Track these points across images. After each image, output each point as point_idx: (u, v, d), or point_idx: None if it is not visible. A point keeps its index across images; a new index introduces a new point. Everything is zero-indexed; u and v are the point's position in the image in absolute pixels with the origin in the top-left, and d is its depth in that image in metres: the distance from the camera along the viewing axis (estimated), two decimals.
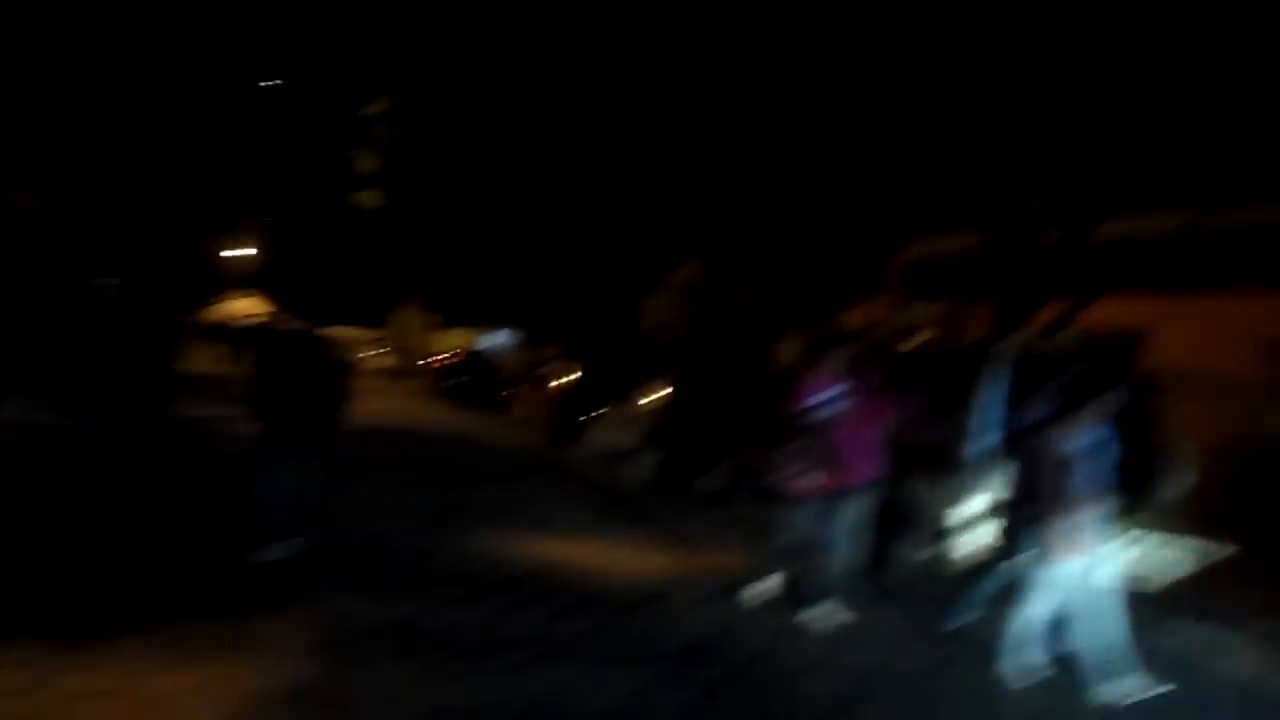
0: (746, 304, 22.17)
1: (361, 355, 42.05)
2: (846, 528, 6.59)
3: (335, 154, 28.74)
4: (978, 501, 8.36)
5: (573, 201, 24.38)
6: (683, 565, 8.01)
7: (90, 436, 6.38)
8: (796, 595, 6.67)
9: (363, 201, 29.55)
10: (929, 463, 8.13)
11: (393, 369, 38.57)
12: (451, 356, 29.36)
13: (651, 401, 15.69)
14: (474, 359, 28.83)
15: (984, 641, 5.75)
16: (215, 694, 4.27)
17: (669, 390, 15.53)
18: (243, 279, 32.12)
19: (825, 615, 6.45)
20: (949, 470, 8.46)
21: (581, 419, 17.69)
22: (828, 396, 6.53)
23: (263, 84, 23.31)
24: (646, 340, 25.68)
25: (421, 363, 34.61)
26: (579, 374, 19.00)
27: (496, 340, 36.16)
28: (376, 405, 20.96)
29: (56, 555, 6.16)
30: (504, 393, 23.33)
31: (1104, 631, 5.37)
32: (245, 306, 30.29)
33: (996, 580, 6.12)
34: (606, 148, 24.52)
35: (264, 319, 20.59)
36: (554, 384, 19.70)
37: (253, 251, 38.29)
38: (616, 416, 16.23)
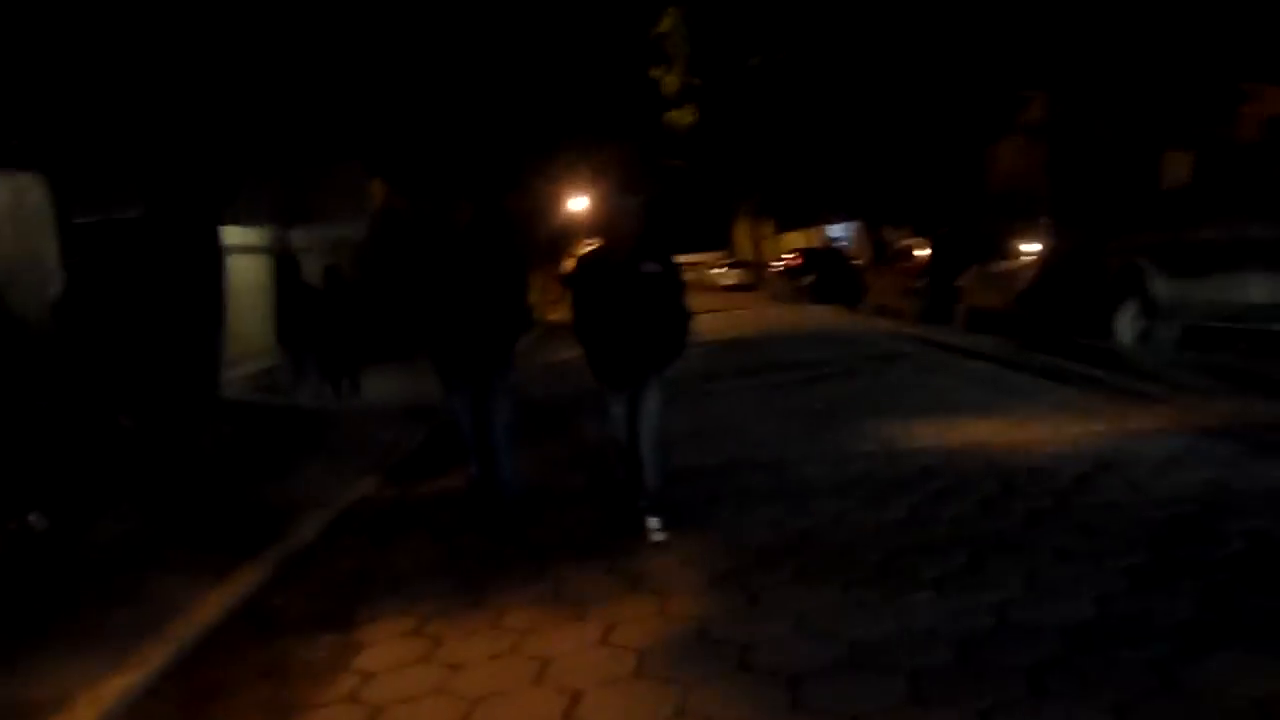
0: (1110, 131, 19.17)
1: (710, 273, 42.43)
2: None
3: (638, 76, 28.23)
4: None
5: (889, 62, 22.27)
6: (1115, 429, 6.58)
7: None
8: None
9: (677, 120, 28.89)
10: None
11: (739, 283, 38.41)
12: (794, 258, 28.34)
13: (1019, 258, 13.80)
14: (816, 256, 27.67)
15: None
16: (618, 646, 3.71)
17: (1040, 244, 13.55)
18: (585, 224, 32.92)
19: None
20: None
21: (942, 292, 16.10)
22: None
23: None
24: (999, 193, 23.14)
25: (766, 271, 33.99)
26: (932, 247, 17.32)
27: (836, 233, 34.67)
28: (728, 320, 20.69)
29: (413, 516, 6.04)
30: (855, 283, 22.01)
31: None
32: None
33: None
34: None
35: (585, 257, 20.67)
36: (907, 263, 18.13)
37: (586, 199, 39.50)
38: (981, 281, 14.49)
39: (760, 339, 15.73)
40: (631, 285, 4.95)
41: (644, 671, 3.46)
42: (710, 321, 18.35)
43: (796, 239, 35.71)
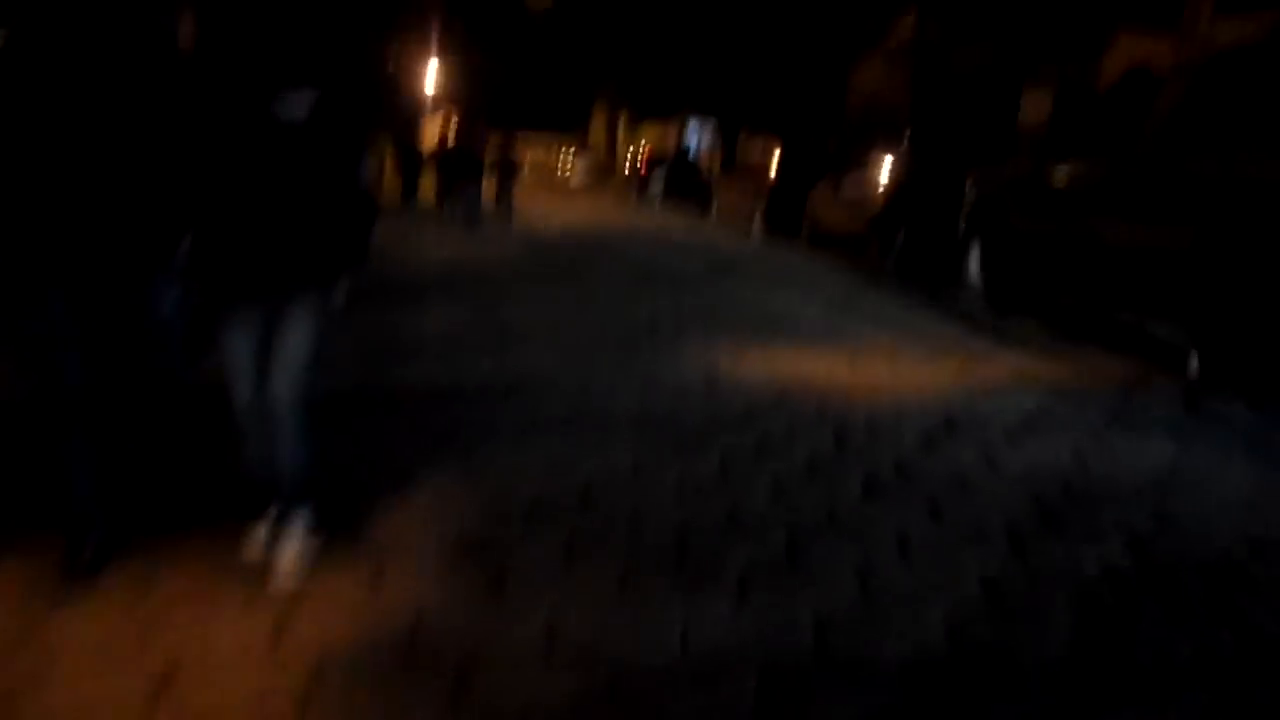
0: (976, 60, 18.64)
1: (556, 162, 40.47)
2: None
3: None
4: None
5: None
6: (963, 379, 5.80)
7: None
8: None
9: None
10: None
11: (589, 172, 36.68)
12: (645, 155, 27.00)
13: (872, 181, 13.05)
14: (671, 156, 26.47)
15: None
16: (289, 649, 2.56)
17: (891, 166, 12.79)
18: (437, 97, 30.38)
19: None
20: None
21: (790, 206, 15.30)
22: None
23: None
24: (858, 112, 22.42)
25: (618, 165, 32.51)
26: (784, 158, 16.41)
27: (691, 132, 33.45)
28: (563, 212, 19.31)
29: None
30: (705, 190, 20.98)
31: None
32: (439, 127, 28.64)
33: None
34: None
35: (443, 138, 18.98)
36: (762, 174, 17.18)
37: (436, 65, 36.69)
38: (832, 200, 13.70)
39: (591, 237, 14.52)
40: (261, 136, 2.86)
41: (311, 695, 2.32)
42: (542, 210, 17.05)
43: (654, 132, 34.29)
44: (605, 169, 36.78)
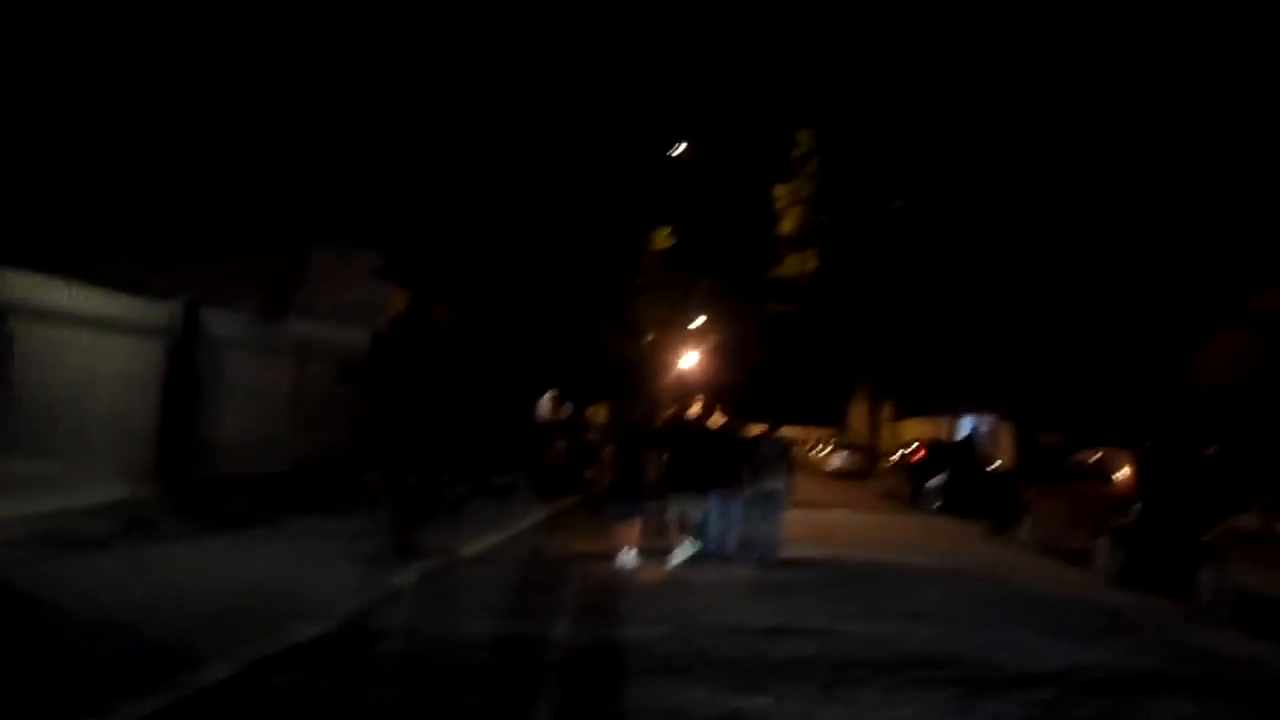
0: None
1: (814, 455, 36.10)
2: None
3: (756, 207, 22.81)
4: None
5: (1076, 221, 16.59)
6: None
7: None
8: None
9: (793, 268, 23.26)
10: None
11: (850, 469, 32.00)
12: (916, 451, 22.04)
13: None
14: (946, 451, 21.38)
15: None
16: None
17: None
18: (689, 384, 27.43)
19: None
20: None
21: (1162, 542, 9.90)
22: None
23: (669, 153, 18.51)
24: (1207, 394, 16.75)
25: (883, 461, 27.52)
26: (1137, 466, 11.17)
27: (967, 428, 28.21)
28: (823, 525, 14.61)
29: None
30: (1003, 496, 15.66)
31: None
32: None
33: None
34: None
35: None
36: (1094, 484, 11.89)
37: (695, 356, 34.27)
38: (1256, 547, 8.25)
39: (863, 572, 9.77)
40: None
41: None
42: (800, 523, 12.33)
43: (920, 427, 29.46)
44: (868, 460, 32.03)
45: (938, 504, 18.73)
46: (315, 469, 11.53)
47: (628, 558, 8.90)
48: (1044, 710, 4.91)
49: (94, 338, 8.63)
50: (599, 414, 20.69)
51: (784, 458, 10.63)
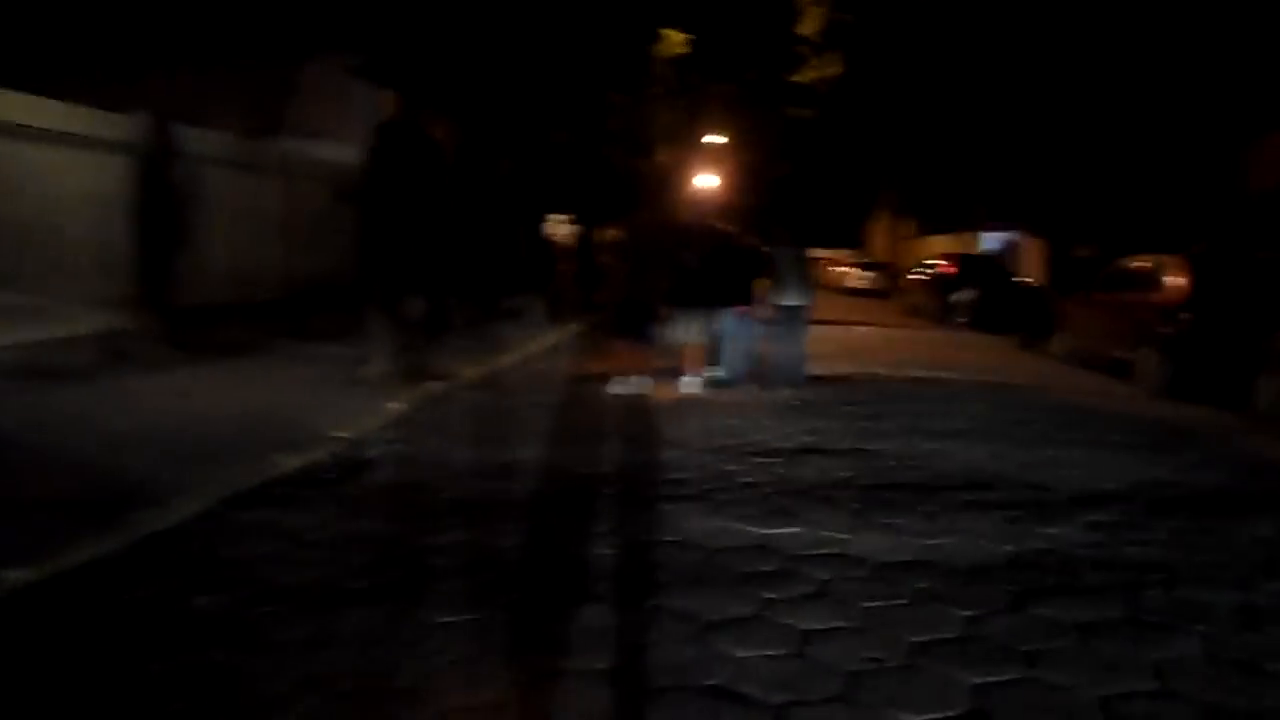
0: None
1: (836, 271, 35.12)
2: None
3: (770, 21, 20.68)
4: None
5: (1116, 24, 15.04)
6: None
7: None
8: None
9: (815, 73, 21.50)
10: None
11: (871, 288, 31.18)
12: (946, 265, 21.12)
13: None
14: (977, 265, 20.53)
15: None
16: None
17: None
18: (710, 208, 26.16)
19: None
20: None
21: (1216, 349, 9.25)
22: None
23: None
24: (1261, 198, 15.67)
25: (904, 278, 26.67)
26: (1192, 273, 10.37)
27: (990, 244, 27.15)
28: (845, 341, 14.04)
29: None
30: (1039, 310, 14.90)
31: None
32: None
33: None
34: None
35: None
36: (1143, 293, 11.10)
37: (715, 179, 32.78)
38: None
39: (894, 389, 9.20)
40: None
41: None
42: (823, 339, 11.68)
43: (941, 244, 28.37)
44: (889, 279, 31.17)
45: (966, 318, 18.08)
46: (312, 295, 10.89)
47: (640, 380, 8.34)
48: (1110, 535, 4.36)
49: (55, 155, 7.84)
50: (611, 236, 19.86)
51: (802, 268, 9.77)
